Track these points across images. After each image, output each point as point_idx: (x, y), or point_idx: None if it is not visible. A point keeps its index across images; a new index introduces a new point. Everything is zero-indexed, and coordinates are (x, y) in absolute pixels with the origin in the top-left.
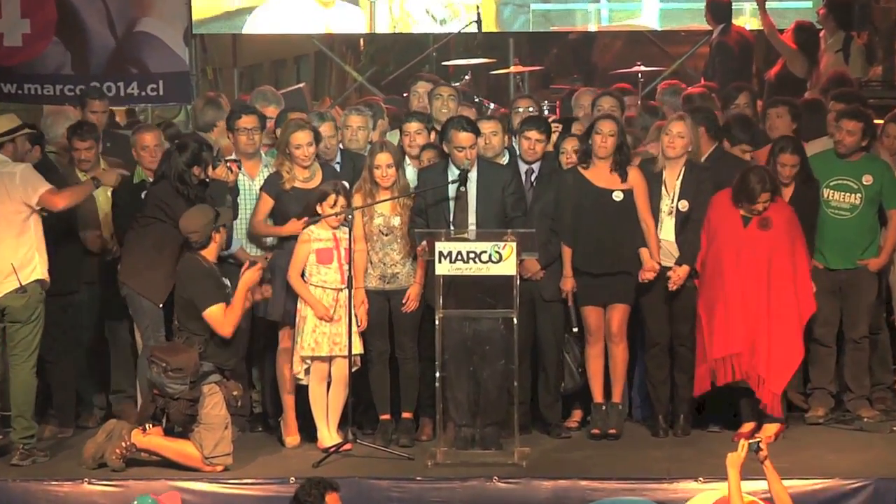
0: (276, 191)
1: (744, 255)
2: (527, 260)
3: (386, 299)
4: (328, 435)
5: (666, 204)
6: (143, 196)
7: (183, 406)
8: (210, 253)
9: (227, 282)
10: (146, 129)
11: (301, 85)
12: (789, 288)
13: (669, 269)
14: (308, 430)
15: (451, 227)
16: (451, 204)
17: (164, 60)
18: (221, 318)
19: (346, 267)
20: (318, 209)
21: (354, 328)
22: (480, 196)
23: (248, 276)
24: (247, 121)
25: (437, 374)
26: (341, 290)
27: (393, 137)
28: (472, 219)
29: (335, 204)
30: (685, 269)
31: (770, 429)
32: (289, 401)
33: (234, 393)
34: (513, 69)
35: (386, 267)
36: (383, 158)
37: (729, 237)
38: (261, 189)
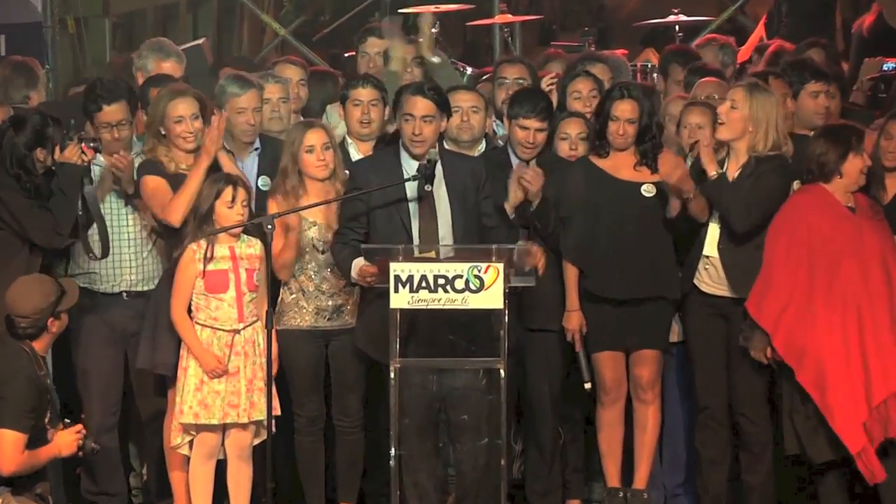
0: (161, 174)
1: (869, 249)
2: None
3: (323, 343)
4: None
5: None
6: None
7: None
8: (41, 345)
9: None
10: None
11: (200, 41)
12: None
13: (720, 299)
14: None
15: (415, 243)
16: (412, 208)
17: (8, 8)
18: (6, 449)
19: (247, 297)
20: (214, 215)
21: (264, 382)
22: (455, 200)
23: (64, 444)
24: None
25: (392, 451)
26: (238, 331)
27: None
28: (443, 230)
29: (234, 201)
30: None
31: None
32: (179, 484)
33: (39, 492)
34: (498, 19)
35: (324, 297)
36: (314, 137)
37: (838, 234)
38: (140, 175)
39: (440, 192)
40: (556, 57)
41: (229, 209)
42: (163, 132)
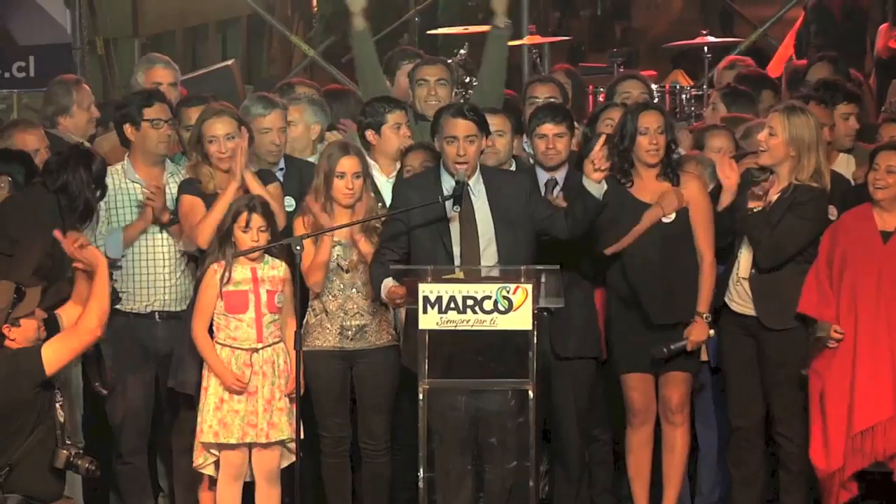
0: (198, 194)
1: (885, 281)
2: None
3: (348, 364)
4: None
5: None
6: None
7: None
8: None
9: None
10: (27, 128)
11: (229, 62)
12: None
13: (749, 318)
14: None
15: (456, 262)
16: (453, 228)
17: (37, 29)
18: (75, 331)
19: (266, 318)
20: (233, 237)
21: (284, 402)
22: (499, 217)
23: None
24: (159, 110)
25: (421, 473)
26: (256, 350)
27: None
28: (487, 249)
29: (248, 225)
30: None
31: None
32: None
33: None
34: (527, 40)
35: (347, 317)
36: (349, 164)
37: (866, 259)
38: (179, 194)
39: (483, 210)
40: (561, 70)
41: (244, 233)
42: (203, 150)
